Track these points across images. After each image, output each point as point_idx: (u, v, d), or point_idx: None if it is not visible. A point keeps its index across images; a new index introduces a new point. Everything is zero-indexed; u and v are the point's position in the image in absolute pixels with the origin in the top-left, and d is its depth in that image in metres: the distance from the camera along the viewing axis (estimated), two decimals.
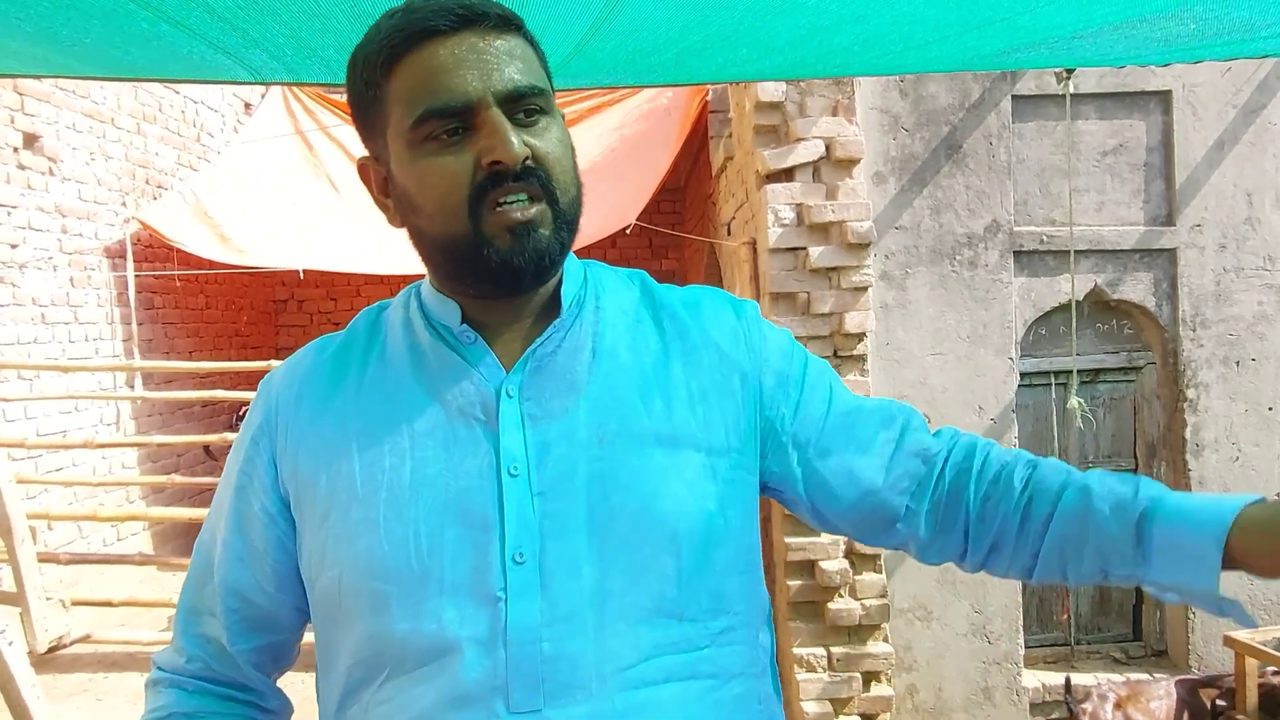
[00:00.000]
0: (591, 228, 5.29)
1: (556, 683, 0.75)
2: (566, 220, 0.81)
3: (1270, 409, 4.02)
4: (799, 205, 3.59)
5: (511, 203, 0.77)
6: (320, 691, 0.86)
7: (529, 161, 0.77)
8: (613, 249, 7.28)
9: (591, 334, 0.85)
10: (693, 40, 1.48)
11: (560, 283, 0.85)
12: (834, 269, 3.56)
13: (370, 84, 0.81)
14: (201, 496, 6.13)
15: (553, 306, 0.86)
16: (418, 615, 0.76)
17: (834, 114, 3.61)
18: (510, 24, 0.80)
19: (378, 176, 0.86)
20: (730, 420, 0.85)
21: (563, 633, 0.76)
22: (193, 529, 6.14)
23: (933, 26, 1.24)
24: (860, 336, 3.59)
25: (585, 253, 6.87)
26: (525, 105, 0.78)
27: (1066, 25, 1.19)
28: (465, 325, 0.85)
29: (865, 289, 3.58)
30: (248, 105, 7.25)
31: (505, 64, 0.77)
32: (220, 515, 0.90)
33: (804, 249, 3.57)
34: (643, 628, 0.77)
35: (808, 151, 3.55)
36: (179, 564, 4.94)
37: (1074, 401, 3.58)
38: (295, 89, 6.50)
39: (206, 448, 5.74)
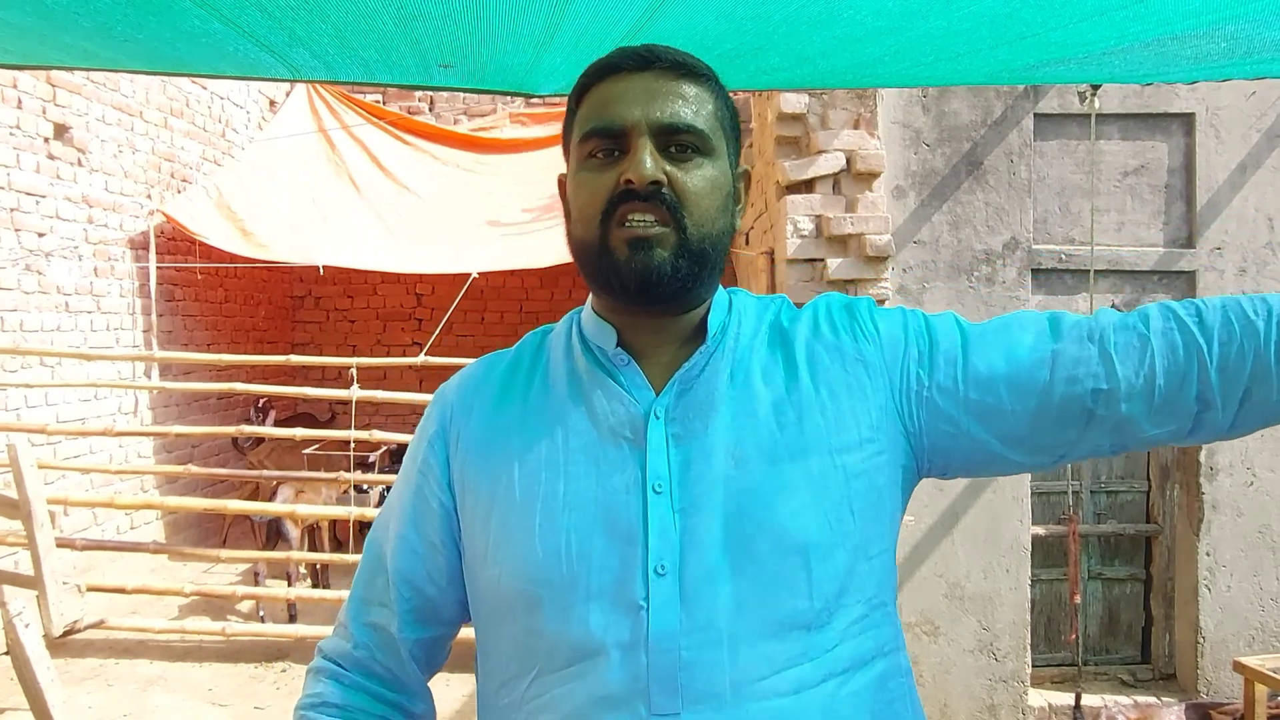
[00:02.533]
0: None
1: (694, 689, 0.80)
2: (691, 250, 0.85)
3: None
4: (818, 217, 3.61)
5: (636, 220, 0.84)
6: (479, 678, 0.95)
7: (662, 188, 0.84)
8: None
9: (731, 359, 0.91)
10: (726, 48, 1.51)
11: (708, 311, 0.92)
12: (852, 281, 3.58)
13: (570, 110, 0.93)
14: (215, 488, 6.18)
15: (700, 333, 0.92)
16: (566, 618, 0.83)
17: (856, 127, 3.64)
18: (691, 71, 0.89)
19: (564, 189, 0.96)
20: (862, 413, 0.89)
21: (700, 642, 0.81)
22: (206, 519, 6.18)
23: (964, 40, 1.27)
24: None
25: None
26: (679, 140, 0.86)
27: (1098, 41, 1.21)
28: (620, 349, 0.91)
29: (883, 302, 3.60)
30: (272, 102, 7.33)
31: (669, 101, 0.86)
32: (395, 511, 0.99)
33: (822, 260, 3.59)
34: (775, 642, 0.82)
35: (829, 164, 3.58)
36: (191, 554, 4.98)
37: None
38: (320, 88, 6.56)
39: (235, 440, 5.79)
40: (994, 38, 1.25)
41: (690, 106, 0.87)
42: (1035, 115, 3.88)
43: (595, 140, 0.87)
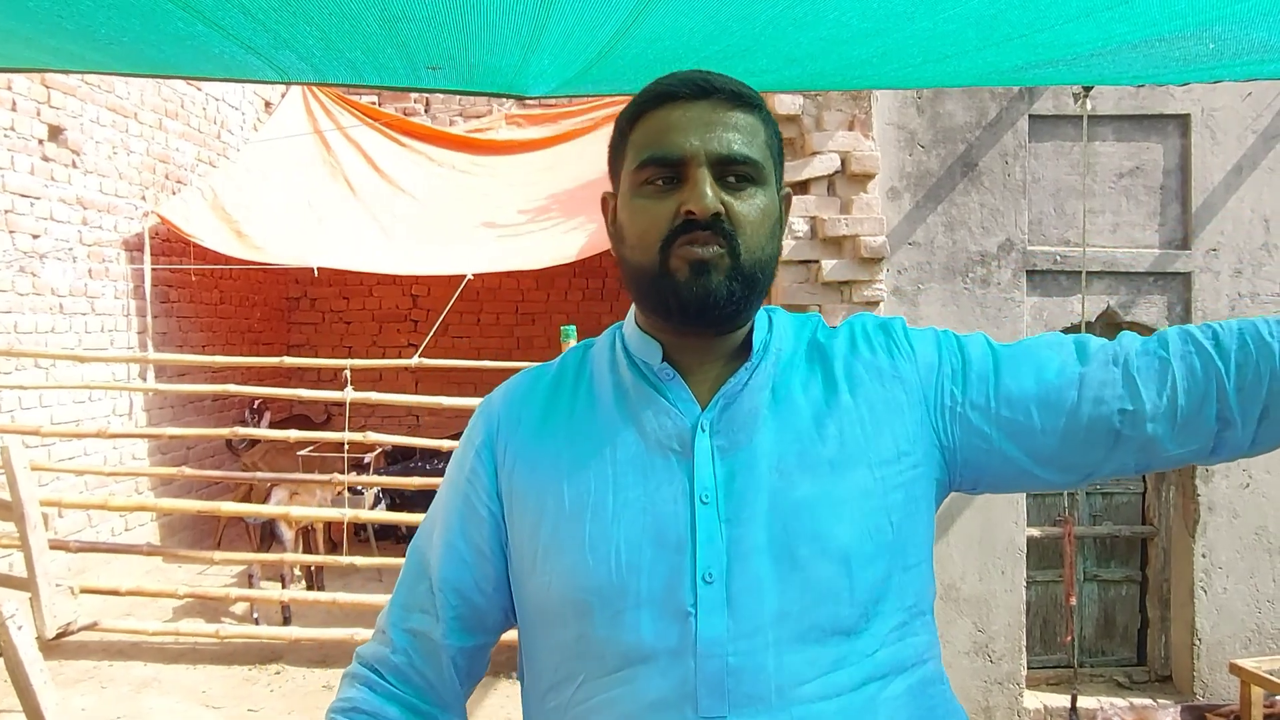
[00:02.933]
0: (604, 235, 5.30)
1: (740, 693, 0.84)
2: (744, 275, 0.89)
3: None
4: (813, 218, 3.60)
5: (696, 247, 0.88)
6: (525, 684, 0.97)
7: (720, 218, 0.87)
8: None
9: (772, 375, 0.94)
10: (713, 50, 1.50)
11: (751, 331, 0.96)
12: (846, 283, 3.57)
13: (620, 132, 0.95)
14: (210, 490, 6.17)
15: (743, 351, 0.96)
16: (617, 624, 0.87)
17: (850, 129, 3.63)
18: (745, 101, 0.91)
19: (610, 209, 0.99)
20: (899, 427, 0.93)
21: (746, 648, 0.84)
22: (200, 521, 6.17)
23: (952, 42, 1.26)
24: None
25: (597, 260, 6.81)
26: (735, 170, 0.89)
27: (1085, 43, 1.20)
28: (665, 364, 0.94)
29: (877, 303, 3.59)
30: (268, 104, 7.32)
31: (726, 132, 0.89)
32: (441, 519, 1.01)
33: (817, 262, 3.58)
34: (818, 647, 0.85)
35: (823, 165, 3.57)
36: (186, 556, 4.97)
37: None
38: (316, 90, 6.55)
39: (229, 441, 5.78)
40: (981, 39, 1.24)
41: (745, 137, 0.90)
42: (1030, 116, 3.88)
43: (652, 168, 0.89)
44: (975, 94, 3.85)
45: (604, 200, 1.01)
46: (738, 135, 0.89)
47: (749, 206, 0.88)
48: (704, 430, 0.91)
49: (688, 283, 0.87)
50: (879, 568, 0.88)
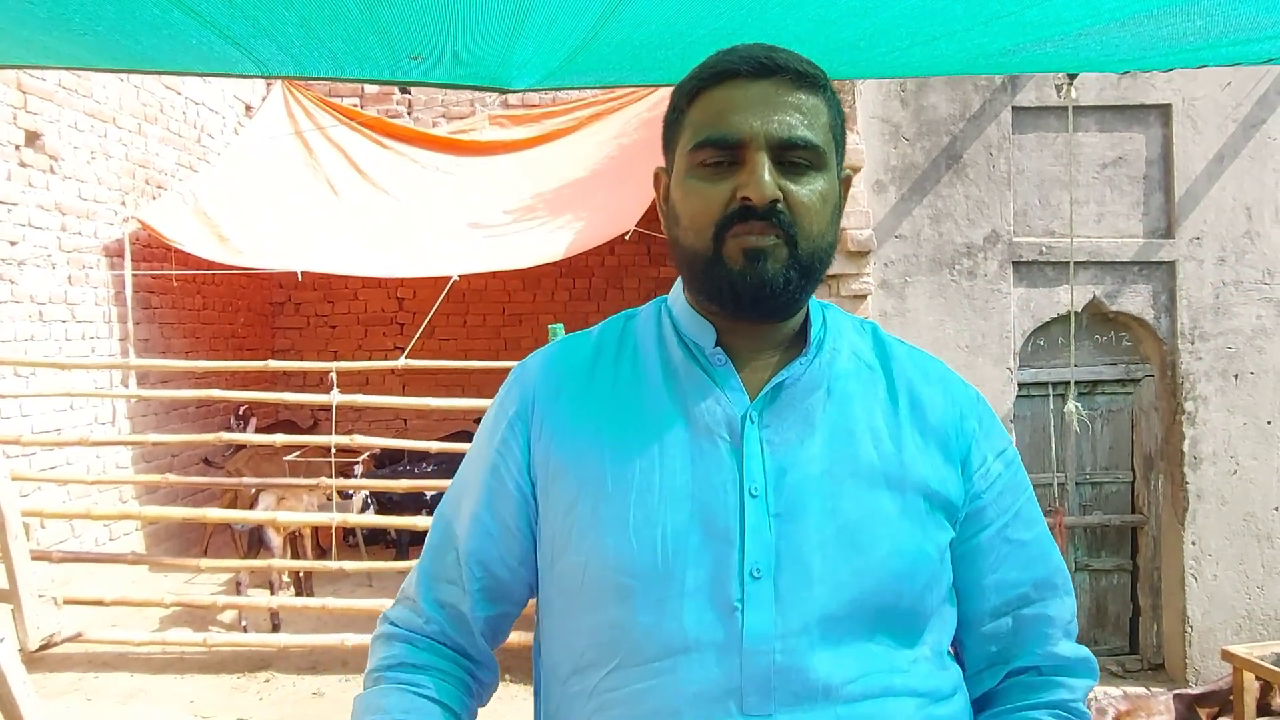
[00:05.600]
0: (590, 234, 5.29)
1: (787, 692, 0.82)
2: (801, 263, 0.86)
3: (1269, 422, 4.02)
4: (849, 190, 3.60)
5: (752, 237, 0.85)
6: (542, 661, 0.95)
7: (778, 204, 0.84)
8: (611, 255, 7.30)
9: (828, 374, 0.92)
10: (699, 34, 1.48)
11: (807, 322, 0.93)
12: (834, 277, 3.57)
13: (677, 108, 0.92)
14: (195, 497, 6.10)
15: (797, 342, 0.93)
16: (660, 612, 0.84)
17: None
18: (809, 81, 0.88)
19: (663, 187, 0.95)
20: (952, 479, 0.92)
21: (794, 646, 0.82)
22: (186, 529, 6.11)
23: (940, 21, 1.25)
24: None
25: (583, 259, 6.80)
26: (794, 155, 0.85)
27: (1073, 20, 1.19)
28: (718, 349, 0.92)
29: (865, 297, 3.59)
30: (248, 107, 7.26)
31: (787, 114, 0.85)
32: (468, 490, 0.98)
33: None
34: (863, 648, 0.84)
35: None
36: (172, 564, 4.91)
37: (1071, 405, 3.58)
38: (296, 92, 6.51)
39: (205, 458, 5.72)
40: (969, 18, 1.23)
41: (807, 119, 0.86)
42: (1013, 108, 3.89)
43: (709, 150, 0.86)
44: (958, 86, 3.86)
45: (656, 176, 0.97)
46: (800, 118, 0.85)
47: (808, 192, 0.85)
48: (752, 421, 0.88)
49: (743, 271, 0.85)
50: (924, 592, 0.87)
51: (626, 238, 5.12)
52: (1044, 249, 3.91)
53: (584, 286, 7.76)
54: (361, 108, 7.08)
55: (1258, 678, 3.49)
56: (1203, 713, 3.56)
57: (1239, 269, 4.00)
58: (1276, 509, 4.03)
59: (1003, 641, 0.94)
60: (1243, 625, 4.00)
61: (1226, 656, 3.59)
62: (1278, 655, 3.63)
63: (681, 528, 0.85)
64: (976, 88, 3.87)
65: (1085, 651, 0.96)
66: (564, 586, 0.90)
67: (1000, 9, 1.17)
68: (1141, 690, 3.97)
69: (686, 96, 0.90)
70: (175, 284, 6.08)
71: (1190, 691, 3.68)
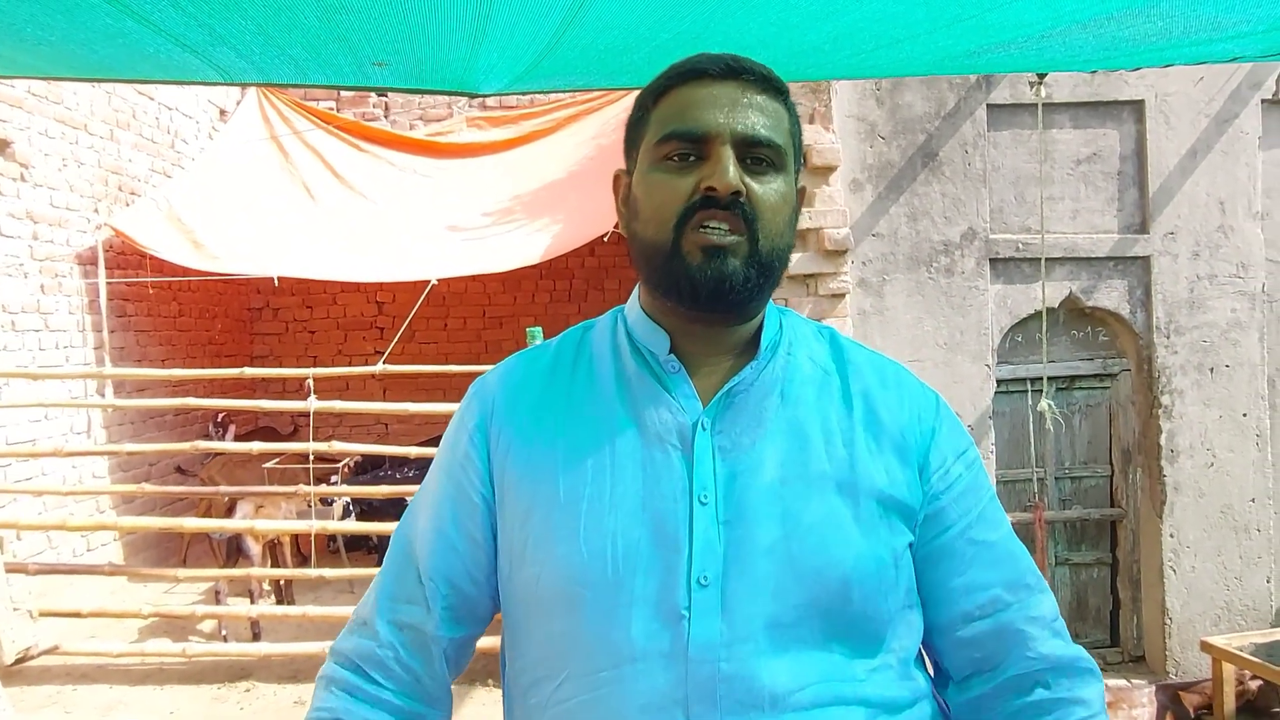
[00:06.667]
0: (570, 235, 5.28)
1: (733, 700, 0.81)
2: (761, 262, 0.87)
3: (1244, 415, 4.05)
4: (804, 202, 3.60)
5: (712, 228, 0.85)
6: (506, 676, 0.94)
7: (740, 196, 0.85)
8: (591, 256, 7.27)
9: (782, 378, 0.92)
10: (664, 38, 1.47)
11: (761, 326, 0.93)
12: (812, 276, 3.57)
13: (643, 106, 0.92)
14: (173, 507, 6.04)
15: (751, 346, 0.93)
16: (609, 622, 0.84)
17: (811, 121, 3.63)
18: (772, 86, 0.90)
19: (623, 188, 0.96)
20: (908, 483, 0.91)
21: (740, 654, 0.82)
22: (164, 540, 6.05)
23: (902, 24, 1.24)
24: None
25: (563, 261, 6.77)
26: (757, 153, 0.87)
27: (1035, 23, 1.19)
28: (672, 355, 0.92)
29: (843, 296, 3.59)
30: (223, 112, 7.19)
31: (752, 114, 0.87)
32: (430, 505, 0.97)
33: None
34: (813, 656, 0.83)
35: None
36: (150, 574, 4.86)
37: (1045, 404, 3.59)
38: (271, 95, 6.45)
39: (180, 466, 5.66)
40: (931, 21, 1.22)
41: (771, 120, 0.88)
42: (988, 106, 3.90)
43: (675, 143, 0.87)
44: (933, 84, 3.86)
45: (616, 178, 0.97)
46: (764, 118, 0.87)
47: (769, 191, 0.86)
48: (704, 428, 0.88)
49: (701, 266, 0.84)
50: (878, 598, 0.86)
51: (606, 239, 5.10)
52: (1020, 246, 3.92)
53: (565, 288, 7.74)
54: (338, 111, 7.03)
55: (1254, 677, 3.53)
56: (1187, 703, 3.59)
57: (1213, 263, 4.03)
58: (1253, 501, 4.06)
59: (986, 648, 0.92)
60: (1221, 616, 4.03)
61: (1205, 648, 3.62)
62: (1256, 646, 3.67)
63: (632, 536, 0.85)
64: (951, 86, 3.88)
65: (1079, 650, 0.93)
66: (521, 598, 0.90)
67: (961, 12, 1.16)
68: (1123, 683, 3.99)
69: (653, 95, 0.91)
70: (151, 291, 6.02)
71: (1172, 683, 3.71)
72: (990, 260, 3.90)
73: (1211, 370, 4.05)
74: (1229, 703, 3.50)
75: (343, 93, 7.13)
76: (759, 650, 0.82)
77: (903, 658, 0.89)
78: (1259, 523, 4.05)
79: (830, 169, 3.62)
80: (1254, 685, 3.57)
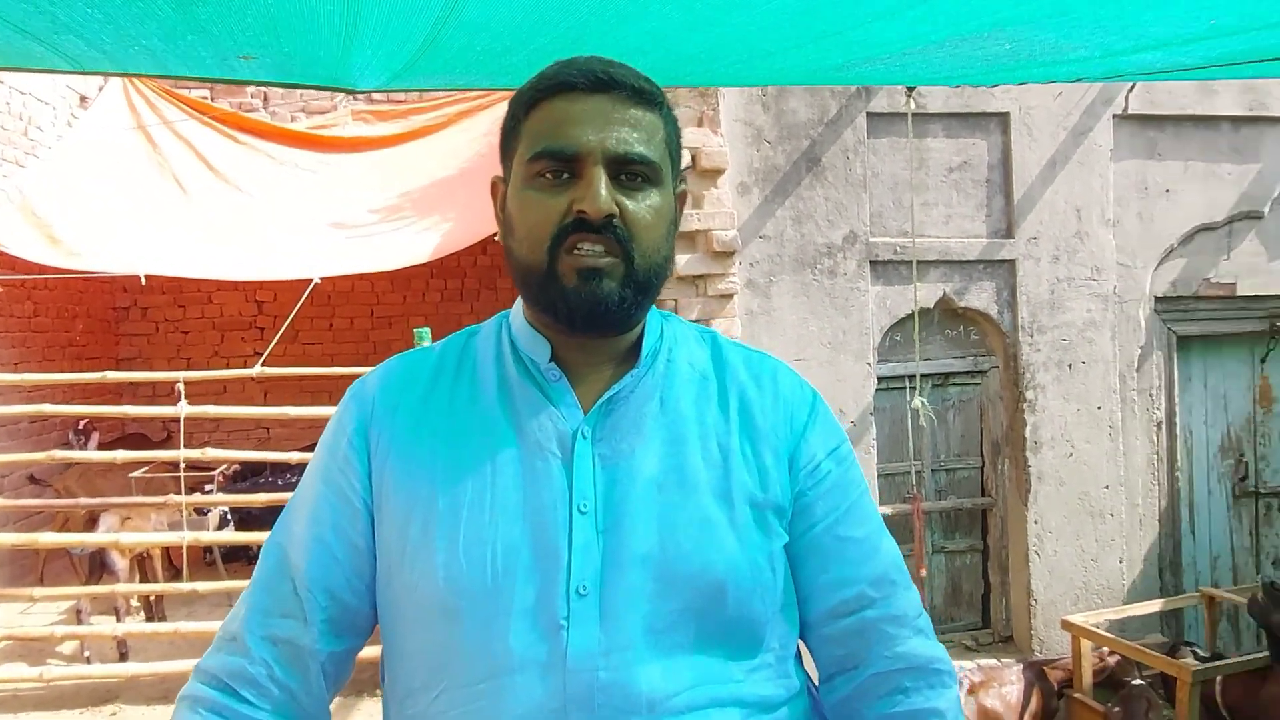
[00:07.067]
0: (461, 233, 5.18)
1: (610, 708, 0.81)
2: (638, 280, 0.87)
3: (1099, 408, 4.35)
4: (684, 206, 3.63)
5: (586, 250, 0.85)
6: (385, 686, 0.93)
7: (614, 219, 0.84)
8: (483, 255, 7.17)
9: (662, 385, 0.92)
10: (543, 40, 1.47)
11: (643, 334, 0.93)
12: (701, 277, 3.62)
13: (514, 116, 0.91)
14: (29, 521, 5.63)
15: (632, 354, 0.93)
16: (486, 633, 0.83)
17: (700, 125, 3.68)
18: (646, 98, 0.88)
19: (500, 196, 0.94)
20: (780, 482, 0.92)
21: (619, 662, 0.82)
22: (19, 556, 5.63)
23: (771, 38, 1.27)
24: None
25: (455, 259, 6.64)
26: (631, 169, 0.86)
27: (895, 42, 1.24)
28: (553, 364, 0.91)
29: (731, 296, 3.66)
30: (83, 98, 6.74)
31: (624, 130, 0.86)
32: (306, 512, 0.93)
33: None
34: (690, 660, 0.84)
35: None
36: (3, 595, 4.51)
37: (917, 401, 3.76)
38: (137, 82, 6.08)
39: (32, 475, 5.27)
40: (799, 36, 1.26)
41: (644, 135, 0.87)
42: (868, 114, 4.05)
43: (546, 161, 0.86)
44: (816, 91, 3.98)
45: (494, 185, 0.96)
46: (637, 134, 0.86)
47: (644, 209, 0.86)
48: (585, 437, 0.88)
49: (577, 289, 0.85)
50: (754, 601, 0.87)
51: (498, 237, 5.03)
52: (899, 249, 4.09)
53: (456, 287, 7.60)
54: (212, 100, 6.69)
55: (1111, 652, 3.78)
56: (1052, 678, 3.82)
57: (1071, 266, 4.30)
58: (1107, 488, 4.36)
59: (849, 645, 0.94)
60: (1080, 596, 4.32)
61: (1066, 626, 3.87)
62: (1110, 622, 3.94)
63: (512, 547, 0.84)
64: (833, 94, 4.01)
65: (939, 650, 0.96)
66: (399, 607, 0.88)
67: (827, 28, 1.20)
68: (994, 662, 4.21)
69: (524, 105, 0.89)
70: (0, 290, 5.58)
71: (1037, 660, 3.94)
72: (871, 262, 4.05)
73: (1070, 366, 4.32)
74: (1087, 676, 3.75)
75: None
76: (637, 657, 0.82)
77: (781, 656, 0.91)
78: (1112, 508, 4.36)
79: (718, 172, 3.69)
80: (1111, 660, 3.84)
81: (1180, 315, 4.54)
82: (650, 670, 0.82)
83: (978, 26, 1.11)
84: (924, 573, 3.99)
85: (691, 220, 3.61)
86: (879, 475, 4.11)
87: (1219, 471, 4.73)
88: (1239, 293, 4.55)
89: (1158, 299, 4.46)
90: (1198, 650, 3.78)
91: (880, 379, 4.12)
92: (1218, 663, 3.40)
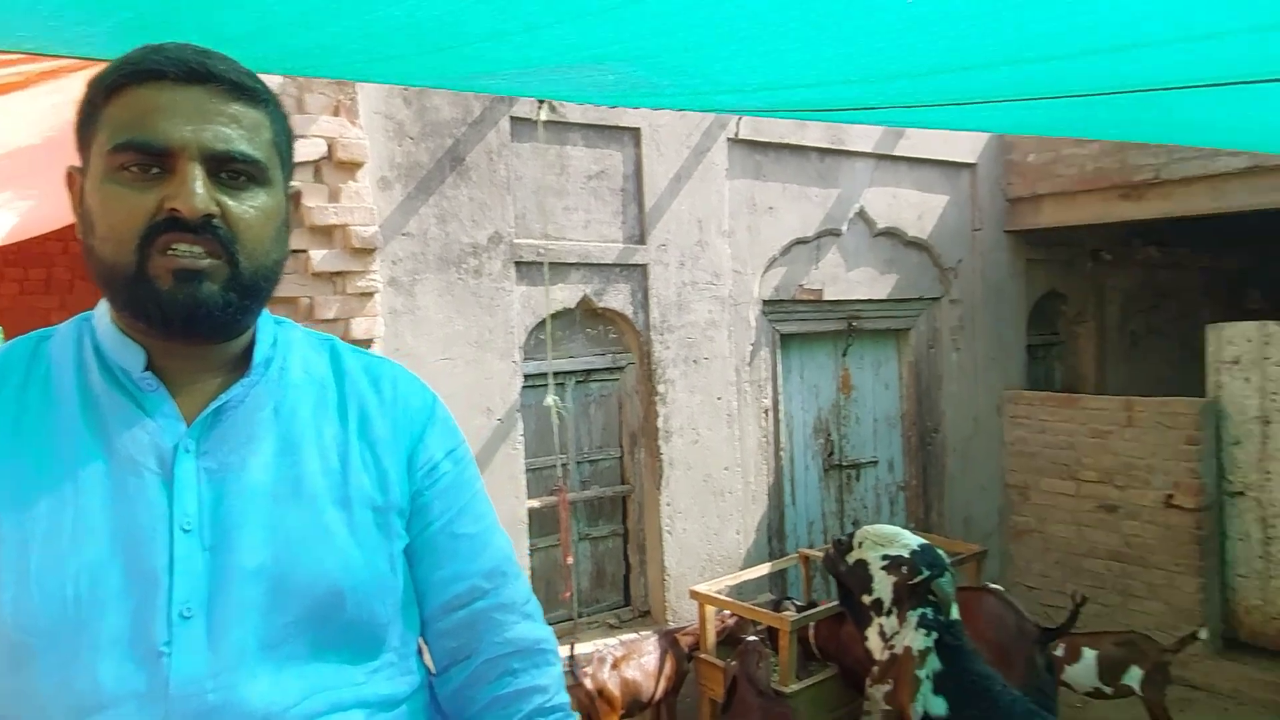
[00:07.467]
0: (44, 214, 4.43)
1: None
2: (244, 284, 0.82)
3: (719, 399, 4.89)
4: (299, 206, 3.41)
5: (183, 252, 0.79)
6: None
7: (214, 219, 0.79)
8: (75, 242, 6.16)
9: (276, 394, 0.89)
10: (125, 16, 1.30)
11: (253, 341, 0.89)
12: (339, 274, 3.46)
13: (92, 102, 0.83)
14: None
15: (242, 362, 0.88)
16: (69, 671, 0.76)
17: (336, 114, 3.51)
18: (249, 94, 0.83)
19: (77, 188, 0.87)
20: (399, 484, 0.93)
21: (229, 682, 0.79)
22: None
23: (386, 43, 1.26)
24: (368, 343, 3.54)
25: (40, 245, 5.66)
26: (233, 168, 0.81)
27: (508, 62, 1.29)
28: (148, 373, 0.84)
29: (372, 294, 3.54)
30: None
31: (224, 126, 0.80)
32: None
33: (305, 252, 3.40)
34: (306, 669, 0.83)
35: (308, 150, 3.40)
36: None
37: (550, 399, 3.95)
38: None
39: None
40: (415, 46, 1.26)
41: (246, 133, 0.82)
42: (511, 118, 4.14)
43: (132, 153, 0.79)
44: (460, 92, 3.99)
45: (70, 176, 0.87)
46: (238, 131, 0.81)
47: (249, 209, 0.82)
48: (188, 451, 0.83)
49: (172, 291, 0.79)
50: (375, 604, 0.87)
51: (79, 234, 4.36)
52: (542, 251, 4.24)
53: (41, 278, 6.47)
54: None
55: (732, 615, 4.26)
56: (684, 644, 4.23)
57: (694, 272, 4.77)
58: (726, 469, 4.92)
59: (462, 636, 0.98)
60: (705, 567, 4.82)
61: (693, 595, 4.30)
62: (729, 588, 4.46)
63: (97, 573, 0.78)
64: (477, 95, 4.04)
65: (546, 632, 1.03)
66: None
67: (441, 42, 1.22)
68: (634, 635, 4.56)
69: (104, 91, 0.82)
70: None
71: (670, 628, 4.34)
72: (515, 263, 4.16)
73: (695, 362, 4.80)
74: (711, 638, 4.22)
75: None
76: (250, 675, 0.80)
77: (403, 654, 0.93)
78: (730, 487, 4.93)
79: (357, 165, 3.54)
80: (731, 621, 4.35)
81: (782, 316, 5.26)
82: (266, 685, 0.80)
83: (582, 59, 1.20)
84: (570, 561, 4.20)
85: (328, 214, 3.44)
86: (527, 470, 4.24)
87: (813, 449, 5.56)
88: (825, 297, 5.38)
89: (764, 302, 5.11)
90: (797, 602, 4.43)
91: (526, 376, 4.25)
92: (809, 612, 4.01)
